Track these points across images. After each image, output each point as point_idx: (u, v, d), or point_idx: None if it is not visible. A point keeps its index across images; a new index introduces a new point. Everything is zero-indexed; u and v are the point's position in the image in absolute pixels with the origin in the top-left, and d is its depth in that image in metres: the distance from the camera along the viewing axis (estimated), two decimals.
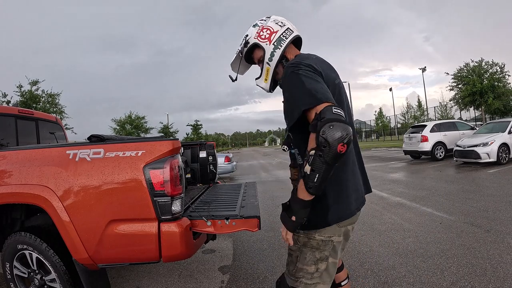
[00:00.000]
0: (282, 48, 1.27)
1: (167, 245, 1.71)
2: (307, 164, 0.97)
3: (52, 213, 1.80)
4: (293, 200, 1.08)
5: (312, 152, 0.96)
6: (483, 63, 21.31)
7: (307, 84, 1.05)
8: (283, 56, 1.29)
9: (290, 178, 3.66)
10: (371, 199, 5.53)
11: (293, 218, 1.09)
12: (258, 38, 1.30)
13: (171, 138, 2.02)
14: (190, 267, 2.98)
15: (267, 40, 1.28)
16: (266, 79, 1.29)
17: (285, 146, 3.67)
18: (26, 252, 2.01)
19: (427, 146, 10.89)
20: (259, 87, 1.34)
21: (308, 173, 0.97)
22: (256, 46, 1.32)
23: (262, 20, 1.34)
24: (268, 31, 1.30)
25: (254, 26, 1.34)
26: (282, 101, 1.18)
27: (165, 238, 1.71)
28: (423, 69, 36.98)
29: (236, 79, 1.44)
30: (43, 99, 18.34)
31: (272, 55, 1.28)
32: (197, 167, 3.51)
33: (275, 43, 1.28)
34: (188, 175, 3.42)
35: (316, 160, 0.95)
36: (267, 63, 1.29)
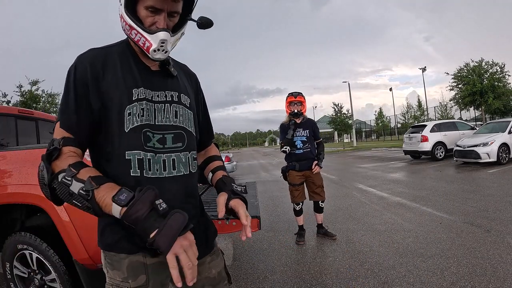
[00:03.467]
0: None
1: None
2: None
3: (52, 213, 1.80)
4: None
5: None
6: (483, 63, 21.32)
7: None
8: None
9: (291, 182, 3.64)
10: (371, 199, 5.53)
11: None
12: None
13: None
14: None
15: None
16: (172, 46, 0.92)
17: (287, 148, 3.65)
18: (26, 252, 2.01)
19: (427, 146, 10.89)
20: (147, 38, 0.87)
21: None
22: None
23: None
24: None
25: None
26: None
27: None
28: (423, 69, 36.99)
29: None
30: (43, 99, 18.34)
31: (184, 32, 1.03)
32: None
33: None
34: None
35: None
36: (182, 33, 0.98)
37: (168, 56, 0.94)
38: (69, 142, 0.82)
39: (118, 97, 0.86)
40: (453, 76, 22.35)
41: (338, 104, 30.38)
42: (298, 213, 3.52)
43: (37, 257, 1.98)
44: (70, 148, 0.83)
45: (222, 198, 0.93)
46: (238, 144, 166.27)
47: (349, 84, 32.60)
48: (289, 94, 3.60)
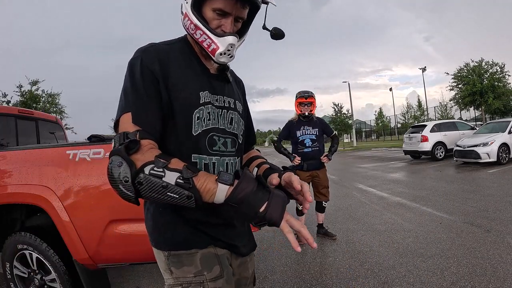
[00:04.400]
0: None
1: None
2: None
3: (52, 213, 1.79)
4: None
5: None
6: (483, 63, 21.32)
7: None
8: None
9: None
10: (371, 199, 5.53)
11: None
12: None
13: None
14: None
15: None
16: (235, 50, 0.89)
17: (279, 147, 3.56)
18: (26, 252, 2.01)
19: (427, 146, 10.90)
20: (215, 41, 0.84)
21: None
22: None
23: None
24: None
25: None
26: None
27: None
28: (423, 69, 37.01)
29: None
30: (43, 99, 18.34)
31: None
32: None
33: None
34: None
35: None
36: (244, 38, 0.95)
37: None
38: (145, 135, 0.75)
39: (185, 98, 0.83)
40: (453, 76, 22.36)
41: (338, 104, 30.38)
42: (300, 212, 3.52)
43: (37, 257, 1.98)
44: (149, 141, 0.76)
45: (274, 174, 0.87)
46: None
47: (349, 84, 32.62)
48: (299, 94, 3.52)
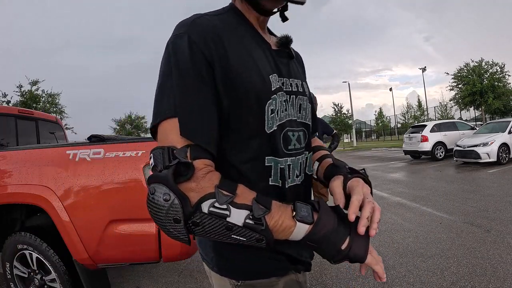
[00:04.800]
0: None
1: (167, 245, 1.71)
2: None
3: (52, 213, 1.80)
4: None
5: None
6: (483, 63, 21.34)
7: None
8: None
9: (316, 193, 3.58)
10: None
11: None
12: None
13: None
14: (190, 267, 2.98)
15: None
16: None
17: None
18: (26, 252, 2.01)
19: (427, 146, 10.89)
20: None
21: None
22: None
23: None
24: None
25: None
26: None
27: (165, 238, 1.71)
28: (423, 69, 37.02)
29: None
30: (43, 99, 18.35)
31: None
32: None
33: None
34: None
35: None
36: None
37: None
38: (199, 152, 0.55)
39: (253, 85, 0.61)
40: (453, 76, 22.40)
41: (338, 104, 30.41)
42: None
43: (37, 257, 1.98)
44: (205, 161, 0.55)
45: (337, 181, 0.67)
46: None
47: (349, 84, 32.67)
48: None
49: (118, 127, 28.59)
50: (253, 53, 0.64)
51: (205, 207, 0.50)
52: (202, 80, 0.57)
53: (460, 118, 24.40)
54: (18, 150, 2.10)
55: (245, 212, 0.51)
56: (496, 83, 20.67)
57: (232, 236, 0.52)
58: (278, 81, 0.66)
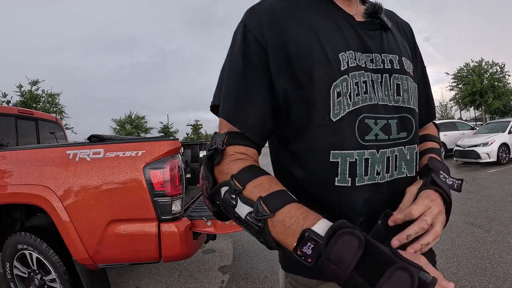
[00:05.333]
0: None
1: (167, 245, 1.71)
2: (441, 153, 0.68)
3: (52, 213, 1.80)
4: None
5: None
6: (483, 63, 21.35)
7: None
8: None
9: None
10: None
11: None
12: None
13: (171, 138, 2.02)
14: (190, 267, 2.98)
15: None
16: None
17: None
18: (26, 252, 2.01)
19: None
20: None
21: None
22: None
23: None
24: None
25: None
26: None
27: (165, 238, 1.71)
28: None
29: None
30: (43, 99, 18.36)
31: None
32: (197, 167, 3.51)
33: None
34: (188, 175, 3.43)
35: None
36: None
37: None
38: (235, 138, 0.56)
39: (316, 67, 0.55)
40: (453, 76, 22.40)
41: None
42: None
43: (37, 257, 1.98)
44: (237, 148, 0.56)
45: (413, 188, 0.57)
46: None
47: None
48: None
49: (118, 127, 28.60)
50: (320, 28, 0.57)
51: (222, 192, 0.52)
52: (253, 68, 0.57)
53: (460, 118, 24.43)
54: (18, 150, 2.10)
55: (248, 208, 0.49)
56: (496, 83, 20.68)
57: (242, 226, 0.51)
58: (358, 58, 0.57)
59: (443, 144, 10.97)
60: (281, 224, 0.47)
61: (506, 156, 8.62)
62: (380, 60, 0.59)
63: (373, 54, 0.59)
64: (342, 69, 0.55)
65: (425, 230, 0.49)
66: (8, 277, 2.10)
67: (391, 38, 0.64)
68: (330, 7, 0.61)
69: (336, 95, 0.54)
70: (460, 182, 0.59)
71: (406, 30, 0.72)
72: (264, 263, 2.98)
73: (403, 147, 0.59)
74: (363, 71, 0.57)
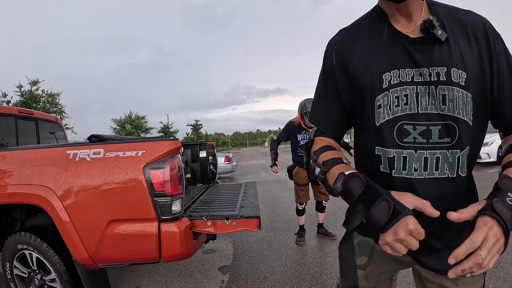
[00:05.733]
0: None
1: (167, 245, 1.72)
2: None
3: (52, 213, 1.80)
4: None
5: None
6: None
7: None
8: None
9: (297, 182, 3.59)
10: None
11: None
12: None
13: (171, 138, 2.02)
14: (190, 267, 2.99)
15: None
16: None
17: (272, 149, 3.57)
18: (26, 252, 2.01)
19: None
20: None
21: None
22: None
23: None
24: None
25: None
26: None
27: (165, 238, 1.71)
28: None
29: None
30: (43, 99, 18.34)
31: None
32: (197, 167, 3.51)
33: None
34: (188, 175, 3.43)
35: None
36: None
37: (434, 13, 0.74)
38: (319, 133, 0.90)
39: (367, 85, 0.75)
40: None
41: None
42: (300, 212, 3.52)
43: (37, 257, 1.98)
44: (320, 137, 0.89)
45: (475, 206, 0.62)
46: (238, 144, 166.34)
47: None
48: (302, 113, 3.34)
49: (118, 127, 28.59)
50: (374, 53, 0.76)
51: (310, 161, 0.84)
52: (328, 88, 0.85)
53: None
54: (18, 150, 2.10)
55: (318, 169, 0.79)
56: None
57: (319, 180, 0.80)
58: (403, 75, 0.72)
59: None
60: (331, 174, 0.75)
61: None
62: (428, 74, 0.71)
63: (421, 68, 0.71)
64: (384, 87, 0.73)
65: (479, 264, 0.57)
66: (8, 277, 2.10)
67: (445, 49, 0.71)
68: (385, 31, 0.76)
69: (377, 107, 0.75)
70: None
71: (477, 33, 0.74)
72: (264, 263, 2.98)
73: (446, 150, 0.71)
74: (406, 86, 0.72)
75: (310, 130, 3.32)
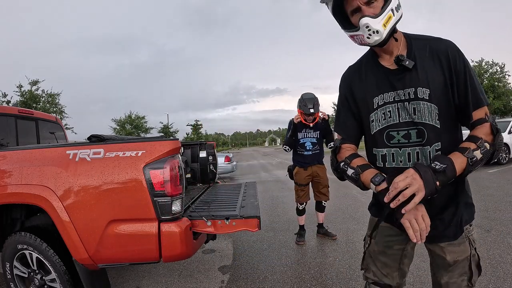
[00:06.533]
0: (401, 11, 1.01)
1: (167, 245, 1.71)
2: (479, 150, 0.93)
3: (52, 213, 1.80)
4: (450, 169, 0.90)
5: (487, 144, 0.94)
6: (483, 63, 21.33)
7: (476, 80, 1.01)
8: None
9: (297, 182, 3.57)
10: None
11: (438, 183, 0.90)
12: None
13: (171, 138, 2.02)
14: (190, 267, 2.99)
15: None
16: (385, 25, 0.95)
17: (287, 147, 3.67)
18: (26, 252, 2.01)
19: None
20: (360, 34, 0.98)
21: (478, 158, 0.92)
22: None
23: None
24: None
25: None
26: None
27: (165, 238, 1.71)
28: None
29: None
30: (43, 99, 18.34)
31: (399, 6, 0.99)
32: (197, 167, 3.51)
33: (399, 1, 1.00)
34: (188, 175, 3.43)
35: (487, 152, 0.94)
36: (392, 10, 0.96)
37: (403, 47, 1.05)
38: (343, 141, 1.20)
39: (364, 107, 1.12)
40: None
41: None
42: (300, 212, 3.52)
43: (37, 257, 1.98)
44: (345, 145, 1.18)
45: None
46: (238, 144, 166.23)
47: None
48: (303, 107, 3.27)
49: (118, 127, 28.57)
50: (367, 85, 1.12)
51: (341, 165, 1.12)
52: (343, 105, 1.21)
53: None
54: (18, 150, 2.10)
55: (351, 171, 1.08)
56: (496, 83, 20.67)
57: (348, 180, 1.12)
58: (385, 98, 1.06)
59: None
60: (364, 176, 1.04)
61: (506, 156, 8.61)
62: (402, 94, 1.03)
63: (398, 91, 1.04)
64: (374, 107, 1.09)
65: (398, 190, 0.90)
66: (8, 277, 2.10)
67: (414, 74, 1.02)
68: (376, 67, 1.10)
69: (371, 121, 1.11)
70: (445, 166, 0.90)
71: (441, 56, 1.01)
72: (264, 263, 2.98)
73: (421, 147, 1.02)
74: (389, 104, 1.06)
75: (311, 125, 3.31)
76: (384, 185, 0.96)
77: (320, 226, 3.64)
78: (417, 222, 0.91)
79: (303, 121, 3.34)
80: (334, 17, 1.05)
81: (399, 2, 0.99)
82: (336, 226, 3.98)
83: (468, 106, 1.00)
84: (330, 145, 3.48)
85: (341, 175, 1.14)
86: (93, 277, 1.89)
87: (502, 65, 20.90)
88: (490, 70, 21.07)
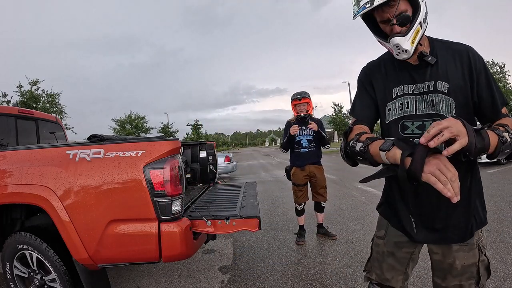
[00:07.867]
0: (428, 20, 1.06)
1: (167, 245, 1.71)
2: (508, 134, 0.91)
3: (52, 213, 1.80)
4: (486, 135, 0.84)
5: None
6: None
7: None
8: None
9: (295, 183, 3.60)
10: (371, 199, 5.53)
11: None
12: None
13: (171, 138, 2.02)
14: (190, 267, 2.99)
15: None
16: (413, 41, 1.00)
17: (283, 150, 3.67)
18: (26, 252, 2.01)
19: None
20: (389, 46, 1.04)
21: (508, 140, 0.89)
22: None
23: None
24: None
25: None
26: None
27: (165, 238, 1.71)
28: None
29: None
30: (43, 99, 18.33)
31: (426, 14, 1.03)
32: (197, 167, 3.51)
33: (427, 9, 1.04)
34: (188, 175, 3.43)
35: None
36: (420, 23, 1.00)
37: (428, 45, 1.09)
38: (357, 122, 1.18)
39: (382, 96, 1.15)
40: None
41: (338, 104, 30.37)
42: (300, 213, 3.52)
43: (37, 257, 1.98)
44: (358, 126, 1.16)
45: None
46: (238, 144, 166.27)
47: (349, 84, 32.56)
48: (293, 96, 3.51)
49: (118, 127, 28.57)
50: (387, 77, 1.15)
51: (350, 143, 1.06)
52: (361, 91, 1.23)
53: None
54: (18, 150, 2.10)
55: (360, 145, 1.01)
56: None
57: (357, 157, 1.04)
58: (404, 89, 1.09)
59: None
60: (373, 147, 0.96)
61: None
62: (422, 87, 1.07)
63: (418, 84, 1.07)
64: (393, 97, 1.12)
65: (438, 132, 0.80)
66: (8, 277, 2.10)
67: (434, 69, 1.06)
68: (398, 62, 1.12)
69: (387, 110, 1.13)
70: (481, 127, 0.88)
71: (462, 56, 1.06)
72: (264, 263, 2.98)
73: None
74: (407, 96, 1.09)
75: (310, 126, 3.33)
76: (394, 149, 0.86)
77: (320, 226, 3.64)
78: (442, 173, 0.76)
79: (295, 114, 3.47)
80: (365, 22, 1.11)
81: (426, 10, 1.03)
82: (336, 226, 3.98)
83: (496, 104, 1.02)
84: (326, 146, 3.53)
85: (352, 156, 1.06)
86: (93, 277, 1.89)
87: (502, 65, 20.94)
88: (490, 70, 21.10)
